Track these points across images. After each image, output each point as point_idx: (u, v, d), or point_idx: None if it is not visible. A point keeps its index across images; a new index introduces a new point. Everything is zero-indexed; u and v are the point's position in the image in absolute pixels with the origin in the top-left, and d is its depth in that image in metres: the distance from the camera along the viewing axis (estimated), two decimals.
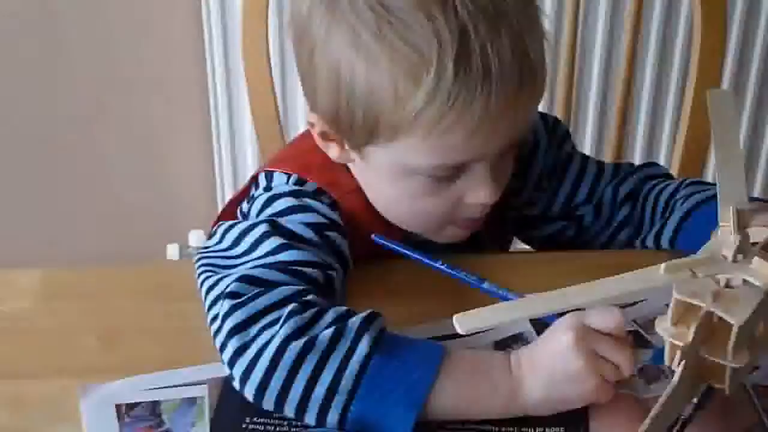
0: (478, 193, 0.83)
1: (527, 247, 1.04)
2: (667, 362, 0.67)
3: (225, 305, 0.74)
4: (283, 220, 0.82)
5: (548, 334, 0.74)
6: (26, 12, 1.55)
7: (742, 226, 0.68)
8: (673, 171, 1.22)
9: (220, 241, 0.83)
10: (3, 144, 1.65)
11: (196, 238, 1.71)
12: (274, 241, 0.80)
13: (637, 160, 1.68)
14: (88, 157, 1.70)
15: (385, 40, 0.75)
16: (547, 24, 1.51)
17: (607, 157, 1.31)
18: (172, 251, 1.71)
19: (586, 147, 1.68)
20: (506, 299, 0.79)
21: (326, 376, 0.71)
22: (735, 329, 0.64)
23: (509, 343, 0.80)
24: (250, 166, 1.64)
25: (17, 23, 1.56)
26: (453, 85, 0.75)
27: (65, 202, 1.72)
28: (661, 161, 1.69)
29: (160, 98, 1.66)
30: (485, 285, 0.82)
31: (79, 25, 1.58)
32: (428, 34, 0.74)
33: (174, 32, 1.60)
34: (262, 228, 0.81)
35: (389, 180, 0.83)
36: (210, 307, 0.76)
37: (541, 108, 0.88)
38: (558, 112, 1.27)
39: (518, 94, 0.77)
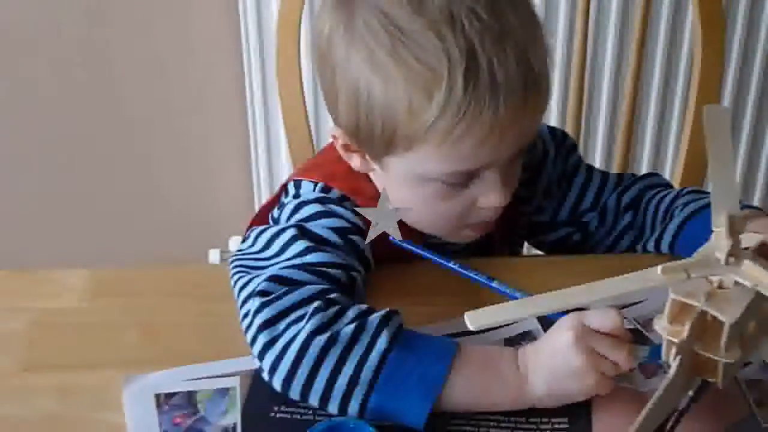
0: (490, 197, 0.83)
1: (538, 251, 1.04)
2: (664, 357, 0.67)
3: (255, 303, 0.74)
4: (310, 225, 0.83)
5: (550, 333, 0.74)
6: (78, 34, 1.57)
7: (734, 232, 0.67)
8: (676, 181, 1.21)
9: (252, 245, 0.84)
10: (56, 156, 1.67)
11: (235, 244, 1.70)
12: (301, 244, 0.80)
13: (643, 172, 1.67)
14: (137, 170, 1.71)
15: (400, 58, 0.76)
16: (559, 45, 1.52)
17: (616, 169, 1.31)
18: (214, 256, 1.71)
19: (596, 160, 1.67)
20: (514, 298, 0.79)
21: (348, 369, 0.71)
22: (727, 327, 0.63)
23: (519, 340, 0.80)
24: (285, 178, 1.64)
25: (70, 43, 1.58)
26: (463, 99, 0.74)
27: (115, 210, 1.73)
28: (666, 172, 1.68)
29: (202, 117, 1.67)
30: (494, 284, 0.82)
31: (129, 46, 1.60)
32: (439, 52, 0.74)
33: (214, 52, 1.61)
34: (291, 232, 0.81)
35: (407, 187, 0.83)
36: (242, 305, 0.77)
37: (553, 123, 0.88)
38: (569, 127, 1.26)
39: (524, 105, 0.77)
